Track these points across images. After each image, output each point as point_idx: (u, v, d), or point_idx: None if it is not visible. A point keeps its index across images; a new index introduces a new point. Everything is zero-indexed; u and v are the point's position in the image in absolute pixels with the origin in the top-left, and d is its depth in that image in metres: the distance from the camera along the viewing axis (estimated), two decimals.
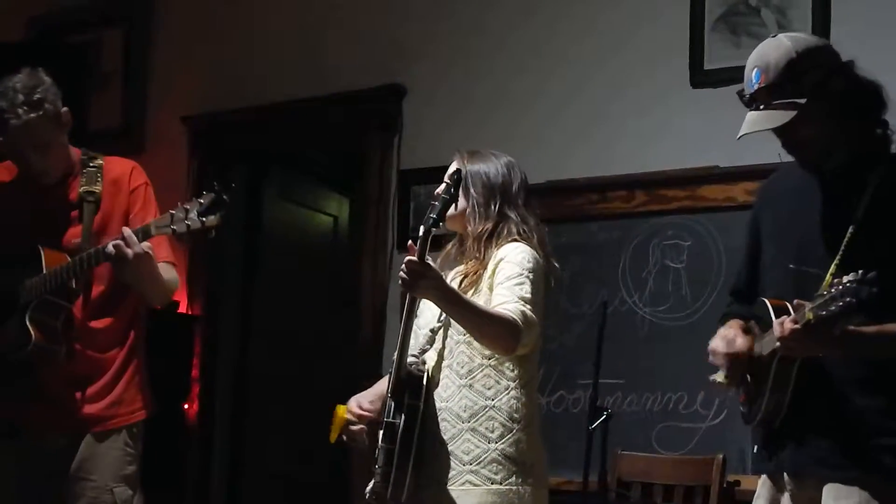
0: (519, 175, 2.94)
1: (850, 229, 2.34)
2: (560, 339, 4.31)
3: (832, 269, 2.31)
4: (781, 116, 2.42)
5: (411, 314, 2.74)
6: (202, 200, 2.87)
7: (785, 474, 2.50)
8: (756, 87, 2.47)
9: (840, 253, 2.32)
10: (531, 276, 2.78)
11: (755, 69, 2.47)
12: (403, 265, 2.63)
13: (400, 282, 2.66)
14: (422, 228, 2.69)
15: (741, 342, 2.51)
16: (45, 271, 3.15)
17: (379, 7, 5.18)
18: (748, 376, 2.54)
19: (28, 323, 3.13)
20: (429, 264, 2.65)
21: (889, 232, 2.35)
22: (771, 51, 2.46)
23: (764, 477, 2.59)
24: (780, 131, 2.48)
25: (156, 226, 2.99)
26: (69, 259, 3.14)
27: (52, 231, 3.28)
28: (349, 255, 5.48)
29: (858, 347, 2.33)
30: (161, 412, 3.43)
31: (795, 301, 2.29)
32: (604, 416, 3.69)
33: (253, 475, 5.55)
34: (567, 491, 3.93)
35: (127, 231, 2.99)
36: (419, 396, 2.73)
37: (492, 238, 2.86)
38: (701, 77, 4.32)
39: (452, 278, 2.90)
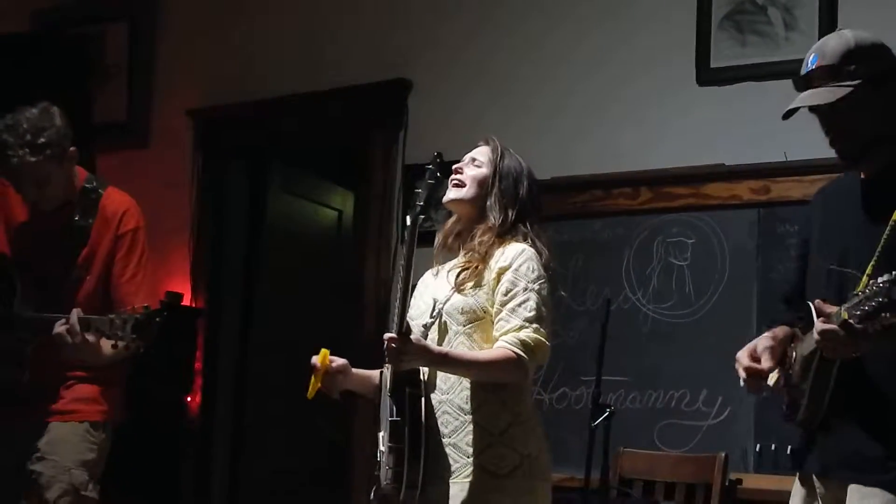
0: (537, 188, 2.92)
1: (887, 231, 2.34)
2: (563, 335, 4.30)
3: (868, 269, 2.31)
4: (834, 93, 2.44)
5: (405, 307, 2.69)
6: (138, 316, 2.99)
7: (813, 475, 2.51)
8: (811, 68, 2.50)
9: (877, 253, 2.32)
10: (536, 287, 2.74)
11: (813, 54, 2.50)
12: (385, 347, 2.63)
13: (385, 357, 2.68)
14: (408, 219, 2.67)
15: (765, 363, 2.52)
16: (15, 307, 3.27)
17: (385, 1, 5.18)
18: (787, 380, 2.55)
19: None
20: (406, 338, 2.61)
21: None
22: (831, 39, 2.51)
23: (799, 476, 2.60)
24: (827, 116, 2.49)
25: (95, 327, 3.10)
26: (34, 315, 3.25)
27: (44, 254, 3.36)
28: (353, 250, 5.48)
29: (891, 343, 2.31)
30: (163, 404, 3.46)
31: (817, 302, 2.32)
32: (606, 413, 3.68)
33: (254, 468, 5.55)
34: (569, 487, 3.93)
35: (73, 319, 3.10)
36: (419, 385, 2.73)
37: (494, 241, 2.82)
38: (707, 75, 4.32)
39: (449, 270, 2.86)
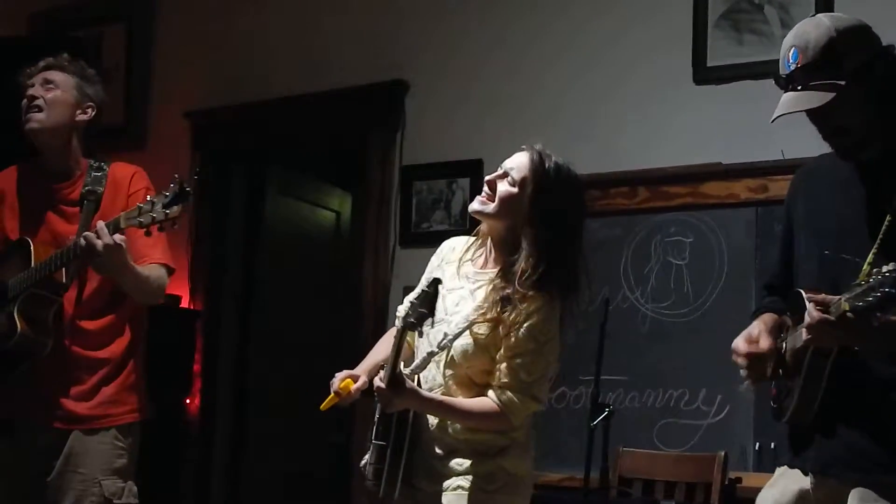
0: (582, 213, 2.79)
1: (888, 218, 2.24)
2: (561, 336, 4.30)
3: (870, 258, 2.22)
4: (819, 98, 2.29)
5: (401, 345, 2.63)
6: (167, 193, 2.90)
7: (809, 472, 2.44)
8: (793, 67, 2.34)
9: (878, 242, 2.23)
10: (544, 350, 2.68)
11: (793, 48, 2.34)
12: (375, 392, 2.64)
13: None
14: (398, 321, 2.64)
15: (764, 343, 2.45)
16: (33, 265, 3.18)
17: (381, 3, 5.18)
18: (780, 371, 2.46)
19: (15, 315, 3.16)
20: (398, 386, 2.59)
21: None
22: (810, 29, 2.34)
23: (784, 468, 2.52)
24: (817, 116, 2.36)
25: (125, 218, 3.00)
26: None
27: (53, 227, 3.32)
28: (351, 251, 5.48)
29: (892, 339, 2.20)
30: (162, 407, 3.42)
31: (809, 292, 2.22)
32: (605, 413, 3.68)
33: (253, 470, 5.55)
34: (568, 487, 3.93)
35: (100, 224, 3.01)
36: (407, 411, 2.71)
37: (527, 280, 2.65)
38: (704, 74, 4.32)
39: (470, 277, 2.79)
